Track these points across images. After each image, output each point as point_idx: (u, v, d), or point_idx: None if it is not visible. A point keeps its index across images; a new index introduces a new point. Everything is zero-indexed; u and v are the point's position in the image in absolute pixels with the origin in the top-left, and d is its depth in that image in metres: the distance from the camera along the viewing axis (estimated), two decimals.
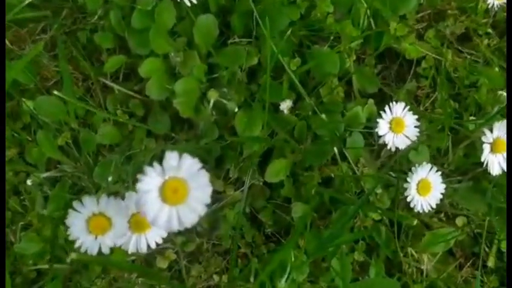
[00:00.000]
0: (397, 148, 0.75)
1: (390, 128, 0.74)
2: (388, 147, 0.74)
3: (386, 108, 0.73)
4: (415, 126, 0.75)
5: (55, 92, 0.66)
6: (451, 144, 0.80)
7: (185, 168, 0.41)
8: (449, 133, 0.79)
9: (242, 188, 0.84)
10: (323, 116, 0.76)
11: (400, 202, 0.79)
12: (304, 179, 0.81)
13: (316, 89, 0.84)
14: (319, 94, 0.84)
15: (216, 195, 0.85)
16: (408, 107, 0.74)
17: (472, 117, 0.79)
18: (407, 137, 0.74)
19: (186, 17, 0.85)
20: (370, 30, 0.82)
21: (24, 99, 0.80)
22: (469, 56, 0.87)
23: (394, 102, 0.73)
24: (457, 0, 0.85)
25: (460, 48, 0.87)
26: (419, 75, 0.87)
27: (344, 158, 0.81)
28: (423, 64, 0.84)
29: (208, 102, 0.79)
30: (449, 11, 0.85)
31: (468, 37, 0.88)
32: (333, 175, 0.82)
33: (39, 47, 0.81)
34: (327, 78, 0.83)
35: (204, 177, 0.41)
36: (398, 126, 0.74)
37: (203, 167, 0.42)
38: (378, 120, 0.73)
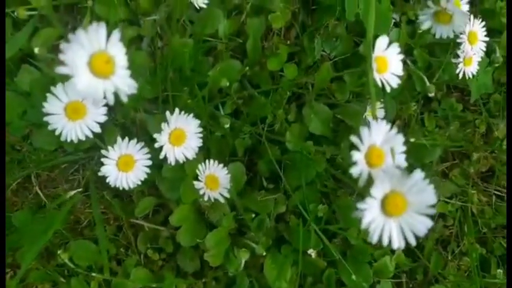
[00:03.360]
0: None
1: None
2: None
3: None
4: None
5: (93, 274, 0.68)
6: None
7: None
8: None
9: None
10: (353, 277, 0.77)
11: None
12: None
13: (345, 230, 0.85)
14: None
15: None
16: None
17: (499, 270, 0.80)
18: None
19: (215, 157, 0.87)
20: None
21: (59, 252, 0.82)
22: (495, 192, 0.88)
23: None
24: (481, 143, 0.86)
25: (485, 186, 0.87)
26: (445, 215, 0.87)
27: None
28: (449, 207, 0.85)
29: (239, 253, 0.81)
30: (474, 154, 0.86)
31: (493, 171, 0.89)
32: None
33: (75, 198, 0.83)
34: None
35: None
36: None
37: None
38: None
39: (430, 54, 0.91)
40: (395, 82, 0.58)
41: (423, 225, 0.46)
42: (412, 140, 0.72)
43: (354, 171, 0.48)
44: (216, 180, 0.74)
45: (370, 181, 0.48)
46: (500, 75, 0.94)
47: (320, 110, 0.85)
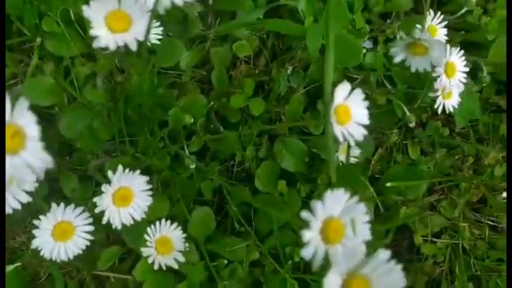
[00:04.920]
0: None
1: None
2: None
3: None
4: None
5: None
6: None
7: None
8: None
9: None
10: None
11: None
12: None
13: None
14: None
15: None
16: None
17: None
18: None
19: (180, 200, 0.80)
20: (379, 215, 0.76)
21: None
22: (488, 222, 0.81)
23: None
24: (470, 172, 0.79)
25: (478, 217, 0.80)
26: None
27: None
28: (439, 244, 0.78)
29: None
30: (463, 183, 0.79)
31: (486, 201, 0.82)
32: None
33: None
34: None
35: None
36: None
37: None
38: None
39: (411, 75, 0.84)
40: (359, 133, 0.51)
41: None
42: (389, 184, 0.65)
43: (306, 253, 0.41)
44: (168, 243, 0.67)
45: (327, 261, 0.41)
46: (488, 94, 0.87)
47: (293, 144, 0.78)
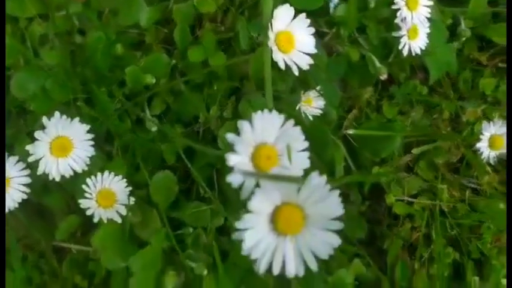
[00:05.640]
0: None
1: None
2: None
3: None
4: None
5: None
6: None
7: None
8: None
9: None
10: None
11: None
12: None
13: None
14: None
15: None
16: None
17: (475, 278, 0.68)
18: None
19: (141, 164, 0.76)
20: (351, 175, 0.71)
21: None
22: (469, 184, 0.76)
23: None
24: (448, 129, 0.74)
25: (457, 178, 0.75)
26: (413, 215, 0.75)
27: None
28: (415, 206, 0.73)
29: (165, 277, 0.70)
30: (440, 142, 0.74)
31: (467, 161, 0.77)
32: None
33: None
34: None
35: None
36: None
37: None
38: None
39: (387, 30, 0.79)
40: (305, 62, 0.46)
41: (327, 244, 0.35)
42: (350, 131, 0.61)
43: (233, 179, 0.36)
44: (111, 195, 0.62)
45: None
46: (470, 50, 0.82)
47: (259, 103, 0.74)
